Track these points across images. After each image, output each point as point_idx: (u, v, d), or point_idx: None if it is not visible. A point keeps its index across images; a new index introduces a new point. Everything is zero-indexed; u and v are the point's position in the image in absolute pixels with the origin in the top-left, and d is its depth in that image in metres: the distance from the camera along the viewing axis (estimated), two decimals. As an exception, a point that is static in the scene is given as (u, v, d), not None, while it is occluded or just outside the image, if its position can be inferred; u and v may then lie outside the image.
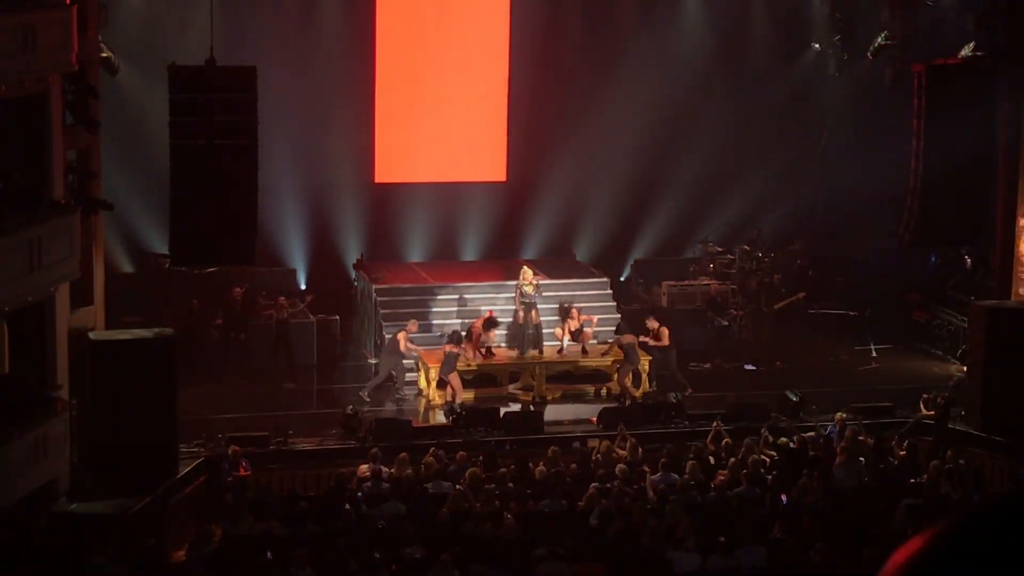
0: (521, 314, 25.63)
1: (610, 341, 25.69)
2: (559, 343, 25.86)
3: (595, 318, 26.21)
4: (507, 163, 31.07)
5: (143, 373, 20.43)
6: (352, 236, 30.24)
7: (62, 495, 18.93)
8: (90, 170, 20.97)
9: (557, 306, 26.06)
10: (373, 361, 25.97)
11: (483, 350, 25.32)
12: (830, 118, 32.26)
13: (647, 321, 25.89)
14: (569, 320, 25.86)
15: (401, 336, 24.87)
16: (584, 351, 25.96)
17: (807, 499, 19.49)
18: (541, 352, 25.63)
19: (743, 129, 31.80)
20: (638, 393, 25.12)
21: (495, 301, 26.46)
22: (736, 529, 17.91)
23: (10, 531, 17.78)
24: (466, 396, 24.55)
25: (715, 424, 22.24)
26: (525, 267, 26.23)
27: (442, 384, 24.64)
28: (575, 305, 26.22)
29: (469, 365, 25.02)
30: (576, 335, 25.86)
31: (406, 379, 25.11)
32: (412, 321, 25.40)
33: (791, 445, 21.41)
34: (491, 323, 25.60)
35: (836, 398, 24.27)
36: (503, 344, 26.06)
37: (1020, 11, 25.19)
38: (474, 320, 25.84)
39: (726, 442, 21.73)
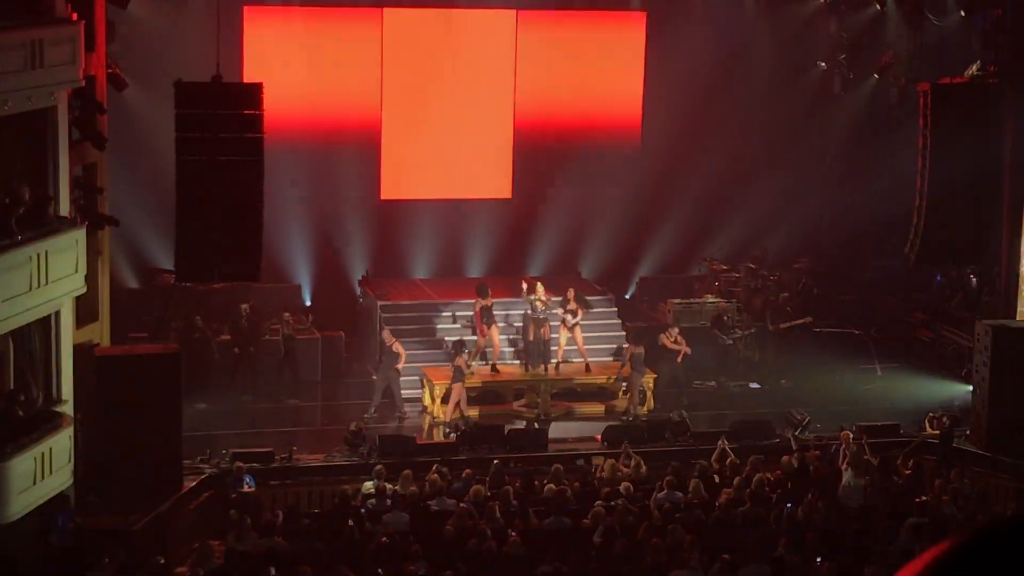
0: (532, 330, 25.65)
1: (625, 347, 25.73)
2: (559, 348, 25.89)
3: (581, 311, 26.17)
4: (513, 180, 31.11)
5: (148, 388, 20.45)
6: (358, 253, 30.25)
7: (66, 510, 18.90)
8: (96, 186, 21.00)
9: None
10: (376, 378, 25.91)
11: (487, 339, 25.44)
12: (835, 136, 32.26)
13: (671, 328, 26.12)
14: (568, 302, 25.85)
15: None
16: (587, 368, 25.96)
17: (812, 518, 19.47)
18: (546, 369, 25.63)
19: (748, 147, 31.81)
20: (643, 410, 25.12)
21: (499, 318, 26.45)
22: (741, 548, 17.88)
23: (15, 546, 17.77)
24: (470, 413, 24.55)
25: (720, 442, 22.23)
26: (538, 283, 26.25)
27: (446, 399, 24.67)
28: (571, 288, 26.32)
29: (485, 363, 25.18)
30: (571, 316, 25.84)
31: (403, 396, 25.10)
32: (384, 330, 25.43)
33: (795, 464, 21.41)
34: (482, 289, 25.68)
35: (841, 416, 24.25)
36: (512, 360, 26.13)
37: (1026, 31, 25.22)
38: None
39: (730, 460, 21.73)
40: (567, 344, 26.06)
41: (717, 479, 21.19)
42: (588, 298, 26.56)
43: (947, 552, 2.21)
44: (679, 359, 25.92)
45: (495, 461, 21.58)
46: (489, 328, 25.75)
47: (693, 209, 31.60)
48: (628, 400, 25.19)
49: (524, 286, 26.32)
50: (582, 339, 26.03)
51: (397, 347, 24.91)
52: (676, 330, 26.44)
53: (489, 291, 25.94)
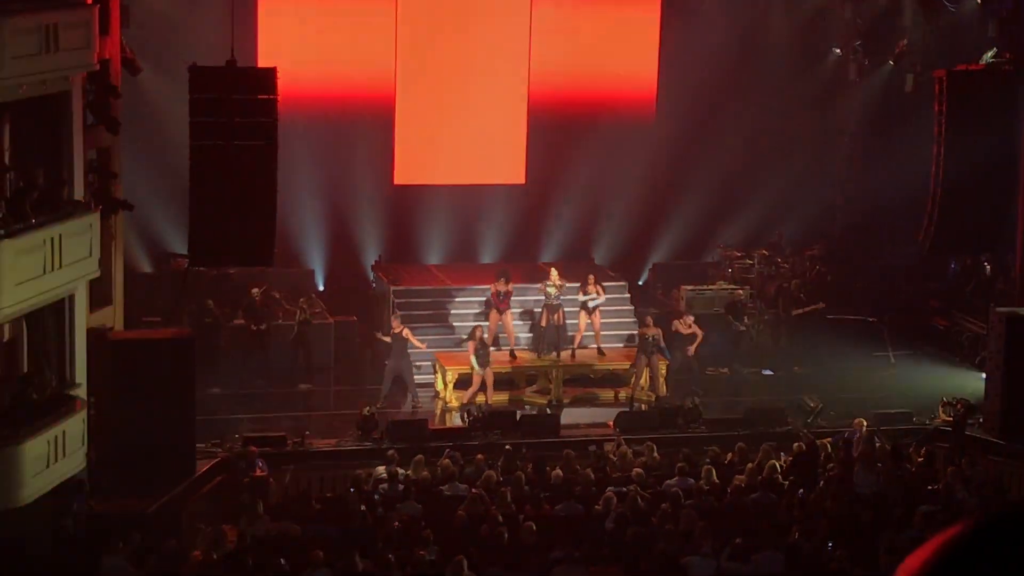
0: (545, 316, 25.63)
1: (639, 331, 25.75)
2: (578, 333, 25.87)
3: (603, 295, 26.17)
4: (526, 166, 31.07)
5: (161, 372, 20.49)
6: (371, 237, 30.25)
7: (80, 494, 18.96)
8: (110, 170, 21.02)
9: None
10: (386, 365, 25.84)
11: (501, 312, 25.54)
12: (851, 123, 32.17)
13: (686, 316, 26.01)
14: (587, 286, 25.83)
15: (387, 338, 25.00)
16: (600, 352, 25.93)
17: (825, 505, 19.45)
18: (559, 355, 25.60)
19: (763, 134, 31.74)
20: (652, 396, 25.09)
21: (513, 304, 26.44)
22: (753, 534, 17.88)
23: (28, 529, 17.83)
24: (498, 398, 24.55)
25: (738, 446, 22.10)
26: (552, 268, 26.21)
27: (461, 383, 24.66)
28: (591, 274, 26.33)
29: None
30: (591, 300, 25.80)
31: (416, 382, 25.08)
32: (394, 316, 25.38)
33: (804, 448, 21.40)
34: (504, 274, 25.78)
35: (854, 404, 24.22)
36: (526, 346, 26.10)
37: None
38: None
39: (740, 446, 21.70)
40: (585, 329, 26.05)
41: (726, 461, 21.19)
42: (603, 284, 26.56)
43: (956, 537, 2.21)
44: (693, 350, 25.71)
45: (507, 447, 21.60)
46: (503, 314, 25.73)
47: (707, 195, 31.55)
48: (631, 386, 25.14)
49: (553, 273, 26.09)
50: (599, 324, 26.03)
51: (407, 333, 24.86)
52: (691, 317, 26.35)
53: (508, 277, 25.87)
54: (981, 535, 2.20)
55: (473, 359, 24.45)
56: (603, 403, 25.26)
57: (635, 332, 26.29)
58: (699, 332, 25.90)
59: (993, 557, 2.16)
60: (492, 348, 25.58)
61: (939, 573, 2.20)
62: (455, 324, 26.83)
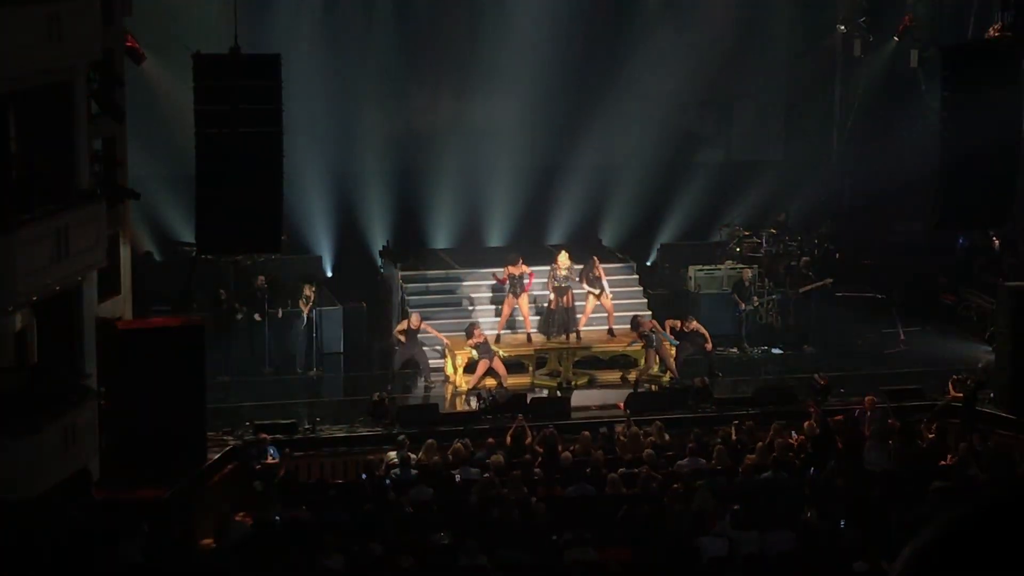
0: (554, 299, 25.58)
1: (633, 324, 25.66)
2: (584, 315, 25.82)
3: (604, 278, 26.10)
4: (532, 148, 31.00)
5: (171, 361, 20.49)
6: (378, 223, 30.18)
7: (91, 483, 18.99)
8: (116, 159, 21.02)
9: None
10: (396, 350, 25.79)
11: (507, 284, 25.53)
12: (856, 100, 32.10)
13: (686, 321, 25.70)
14: (594, 269, 25.75)
15: (398, 329, 24.97)
16: (610, 333, 25.87)
17: (836, 482, 19.46)
18: (568, 337, 25.55)
19: (768, 112, 31.66)
20: (665, 379, 25.05)
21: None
22: (764, 513, 17.89)
23: (41, 519, 17.86)
24: (488, 383, 24.53)
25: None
26: (563, 251, 26.10)
27: (471, 367, 24.64)
28: (595, 255, 26.28)
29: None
30: (594, 283, 25.77)
31: (431, 366, 25.07)
32: (415, 313, 25.37)
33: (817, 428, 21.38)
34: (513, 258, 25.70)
35: (864, 381, 24.20)
36: (535, 330, 26.04)
37: (1047, -9, 25.00)
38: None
39: (748, 424, 21.69)
40: (592, 311, 25.96)
41: (739, 445, 21.18)
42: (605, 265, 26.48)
43: (967, 515, 2.20)
44: (709, 347, 25.52)
45: (518, 415, 21.59)
46: (517, 298, 25.65)
47: (714, 175, 31.45)
48: (640, 371, 25.06)
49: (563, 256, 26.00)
50: (612, 305, 25.93)
51: (426, 326, 24.86)
52: (693, 320, 25.94)
53: (520, 260, 25.84)
54: (989, 516, 2.19)
55: (474, 353, 24.52)
56: (613, 384, 25.22)
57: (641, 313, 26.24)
58: (706, 332, 25.59)
59: (1001, 539, 2.15)
60: (507, 331, 25.57)
61: (946, 553, 2.19)
62: (465, 308, 26.80)
